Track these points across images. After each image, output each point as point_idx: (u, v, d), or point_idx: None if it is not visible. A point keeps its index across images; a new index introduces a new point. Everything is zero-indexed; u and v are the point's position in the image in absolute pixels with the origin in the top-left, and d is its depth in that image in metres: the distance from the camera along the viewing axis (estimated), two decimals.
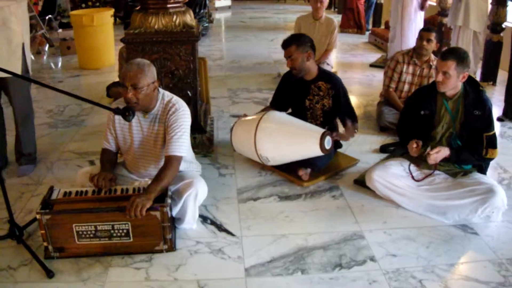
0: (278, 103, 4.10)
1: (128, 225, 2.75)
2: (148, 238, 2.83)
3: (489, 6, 6.17)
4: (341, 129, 4.06)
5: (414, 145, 3.27)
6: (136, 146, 3.15)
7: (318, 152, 3.40)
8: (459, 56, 3.14)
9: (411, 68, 4.72)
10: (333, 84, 3.82)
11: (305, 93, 3.87)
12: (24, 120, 3.94)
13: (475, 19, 6.06)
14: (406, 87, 4.77)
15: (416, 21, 6.81)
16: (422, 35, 4.61)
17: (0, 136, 4.00)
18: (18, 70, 3.62)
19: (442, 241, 3.02)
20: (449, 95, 3.29)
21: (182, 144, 3.00)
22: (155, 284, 2.65)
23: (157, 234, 2.83)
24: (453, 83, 3.20)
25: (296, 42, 3.78)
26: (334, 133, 3.60)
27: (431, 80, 4.64)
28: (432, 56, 4.73)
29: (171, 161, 2.95)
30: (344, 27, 10.51)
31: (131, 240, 2.81)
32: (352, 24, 10.48)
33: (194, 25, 3.92)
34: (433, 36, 4.58)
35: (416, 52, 4.68)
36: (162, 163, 3.02)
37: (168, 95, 3.14)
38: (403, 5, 6.88)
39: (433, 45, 4.62)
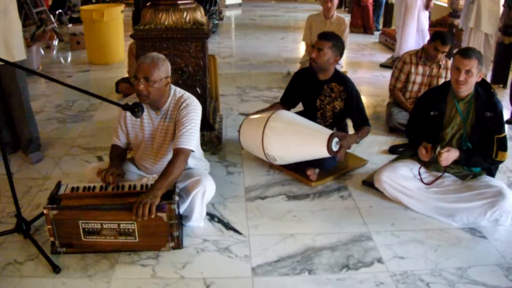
0: (288, 100, 4.08)
1: (134, 225, 2.74)
2: (155, 239, 2.82)
3: (501, 9, 6.12)
4: (350, 130, 4.03)
5: (424, 151, 3.24)
6: (147, 142, 3.15)
7: (325, 154, 3.38)
8: (479, 54, 3.14)
9: (420, 69, 4.66)
10: (346, 87, 3.77)
11: (317, 92, 3.84)
12: (28, 104, 3.99)
13: (487, 22, 6.03)
14: (415, 87, 4.72)
15: (420, 20, 6.78)
16: (438, 48, 4.46)
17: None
18: (23, 55, 3.77)
19: (450, 244, 3.00)
20: (462, 96, 3.26)
21: (191, 137, 2.96)
22: (161, 282, 2.65)
23: (163, 235, 2.81)
24: (473, 82, 3.17)
25: (334, 41, 3.72)
26: (339, 134, 3.54)
27: (440, 80, 4.62)
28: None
29: (179, 154, 2.90)
30: (351, 26, 10.46)
31: (137, 240, 2.79)
32: (359, 24, 10.43)
33: (204, 22, 3.91)
34: (447, 48, 4.49)
35: (427, 54, 4.62)
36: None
37: (179, 91, 3.13)
38: (406, 5, 6.86)
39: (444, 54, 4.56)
